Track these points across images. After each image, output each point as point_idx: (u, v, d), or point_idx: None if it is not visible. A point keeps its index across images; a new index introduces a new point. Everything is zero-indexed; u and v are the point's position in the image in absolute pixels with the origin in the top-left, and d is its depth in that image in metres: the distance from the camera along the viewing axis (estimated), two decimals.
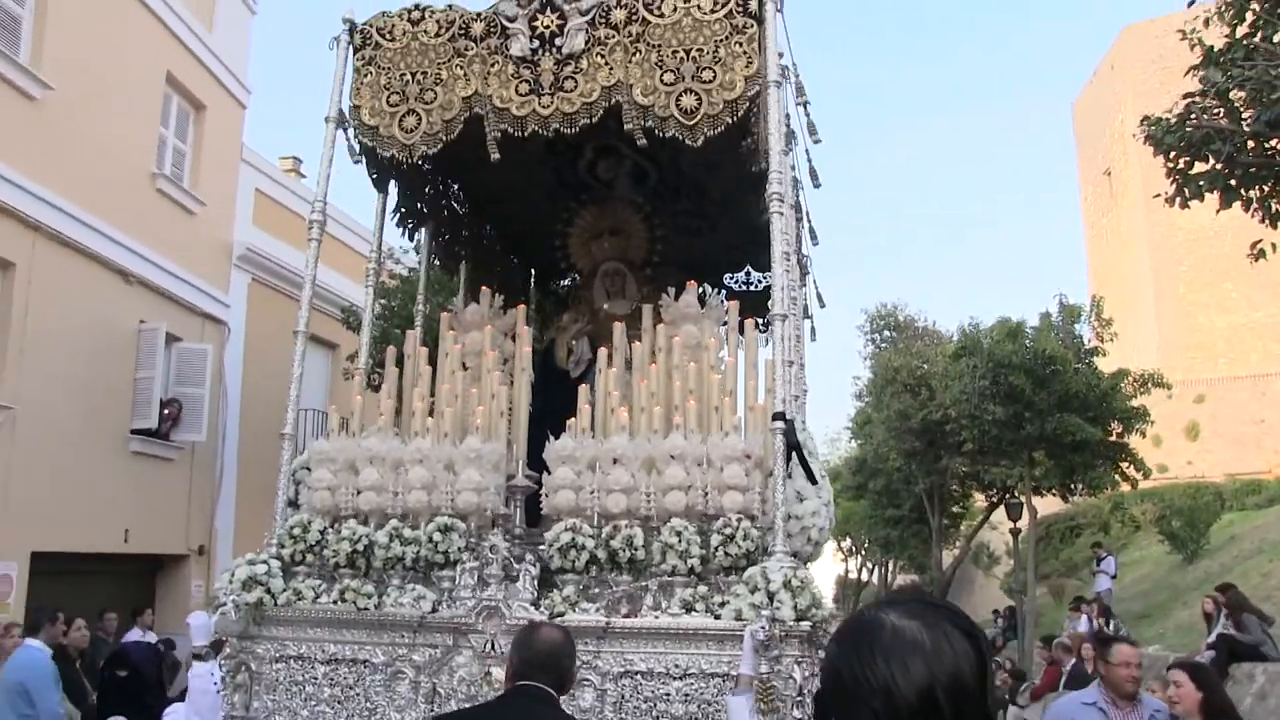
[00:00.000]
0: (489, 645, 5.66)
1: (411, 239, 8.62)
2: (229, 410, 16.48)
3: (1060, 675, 13.24)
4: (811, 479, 5.93)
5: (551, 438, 6.21)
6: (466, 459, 6.20)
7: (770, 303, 6.25)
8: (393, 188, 7.97)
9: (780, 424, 5.81)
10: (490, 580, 5.81)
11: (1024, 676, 16.24)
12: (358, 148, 7.28)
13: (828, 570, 47.45)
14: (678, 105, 6.44)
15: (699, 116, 6.41)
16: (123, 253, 13.69)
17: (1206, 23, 10.52)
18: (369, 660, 5.91)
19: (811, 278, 9.44)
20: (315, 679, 5.98)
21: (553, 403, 7.23)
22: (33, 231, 12.13)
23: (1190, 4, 10.72)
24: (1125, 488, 24.30)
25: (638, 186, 8.80)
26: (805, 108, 7.02)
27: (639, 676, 5.50)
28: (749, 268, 9.71)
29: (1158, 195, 11.18)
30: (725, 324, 7.06)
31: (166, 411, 14.37)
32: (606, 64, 6.63)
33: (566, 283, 9.82)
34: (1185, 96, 10.28)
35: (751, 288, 9.61)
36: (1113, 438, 21.53)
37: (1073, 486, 22.99)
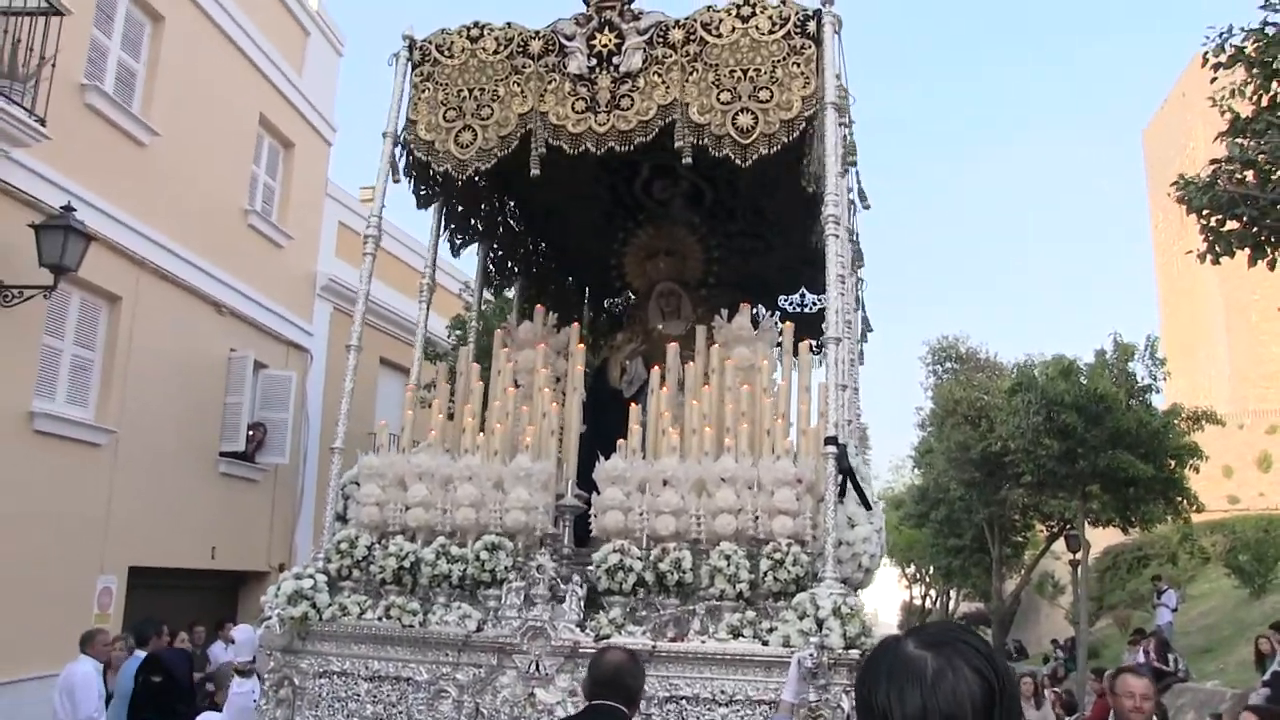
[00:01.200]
0: (533, 666, 5.59)
1: (456, 254, 8.58)
2: (310, 434, 17.05)
3: (1108, 709, 13.03)
4: (865, 504, 5.82)
5: (602, 458, 6.15)
6: (516, 477, 6.15)
7: (824, 325, 6.16)
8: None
9: (832, 448, 5.71)
10: (536, 600, 5.74)
11: (1075, 708, 16.09)
12: (404, 164, 7.28)
13: (893, 596, 47.54)
14: (734, 124, 6.38)
15: (755, 135, 6.34)
16: (216, 285, 14.46)
17: (1233, 93, 10.80)
18: (412, 678, 5.86)
19: (862, 302, 9.35)
20: (358, 696, 5.94)
21: (604, 423, 7.15)
22: (138, 267, 12.85)
23: (1213, 71, 10.98)
24: (1178, 522, 24.59)
25: (693, 207, 8.75)
26: (850, 130, 6.91)
27: (684, 702, 5.40)
28: (803, 289, 9.62)
29: (1190, 251, 11.74)
30: (779, 346, 6.97)
31: (252, 434, 15.11)
32: (664, 82, 6.59)
33: (619, 302, 9.76)
34: (1212, 162, 10.69)
35: (806, 309, 9.53)
36: (1166, 473, 21.70)
37: (1131, 520, 23.25)
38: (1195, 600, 29.72)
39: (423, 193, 7.70)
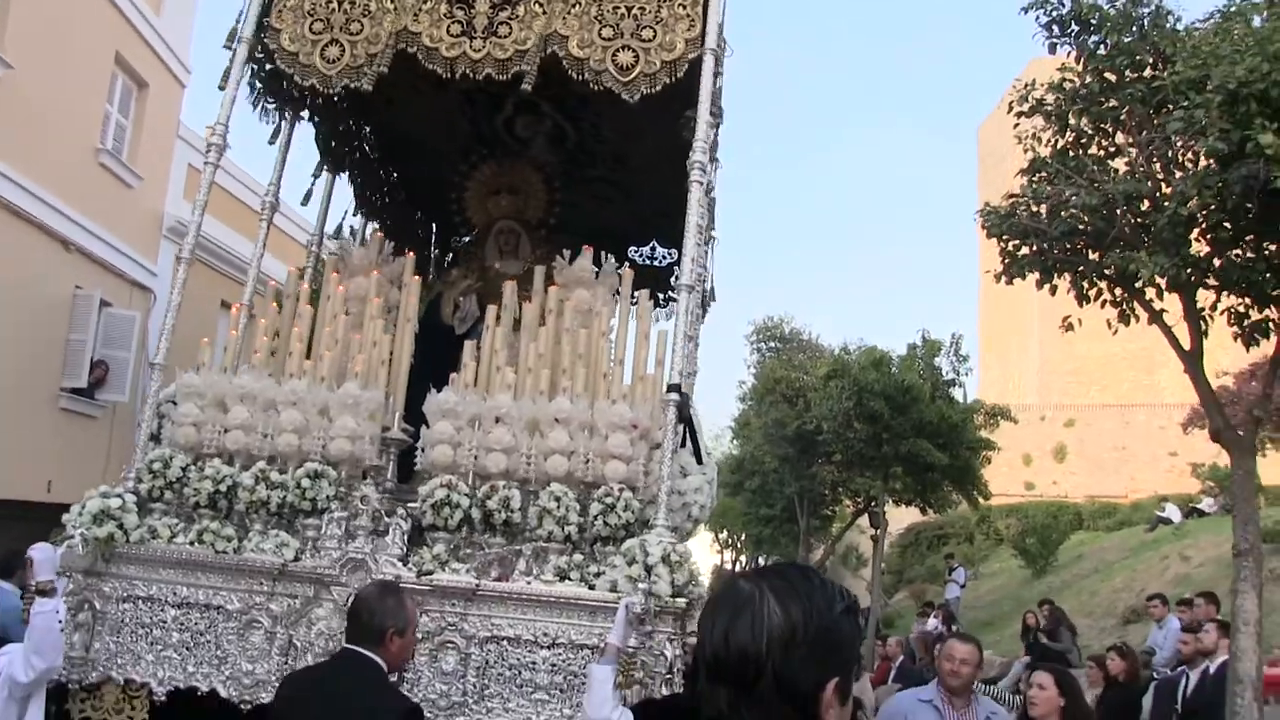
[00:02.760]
0: (351, 599, 5.41)
1: (316, 176, 8.25)
2: (150, 373, 16.36)
3: (890, 670, 14.77)
4: (698, 455, 5.81)
5: (434, 391, 5.98)
6: (343, 405, 5.93)
7: (676, 274, 6.13)
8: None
9: (675, 395, 5.68)
10: (358, 532, 5.57)
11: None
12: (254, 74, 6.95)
13: (705, 560, 48.12)
14: (614, 61, 6.25)
15: (635, 74, 6.22)
16: (64, 222, 14.38)
17: (1034, 136, 12.18)
18: (223, 606, 5.60)
19: (712, 260, 9.37)
20: (164, 622, 5.65)
21: (433, 359, 6.93)
22: None
23: (1018, 111, 12.37)
24: (973, 506, 27.26)
25: (554, 148, 8.58)
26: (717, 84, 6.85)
27: (505, 643, 5.31)
28: (655, 243, 9.57)
29: (988, 271, 13.06)
30: (619, 293, 6.90)
31: (94, 372, 15.15)
32: (544, 12, 6.38)
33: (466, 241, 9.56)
34: (1008, 197, 12.02)
35: (656, 263, 9.49)
36: (960, 462, 23.95)
37: (929, 502, 25.66)
38: (986, 578, 31.16)
39: (279, 108, 7.37)
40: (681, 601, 5.12)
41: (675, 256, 8.96)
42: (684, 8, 6.28)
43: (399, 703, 3.92)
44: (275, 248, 14.60)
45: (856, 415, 22.67)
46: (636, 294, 6.86)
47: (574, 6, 6.35)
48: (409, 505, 5.76)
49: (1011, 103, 12.49)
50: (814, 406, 24.65)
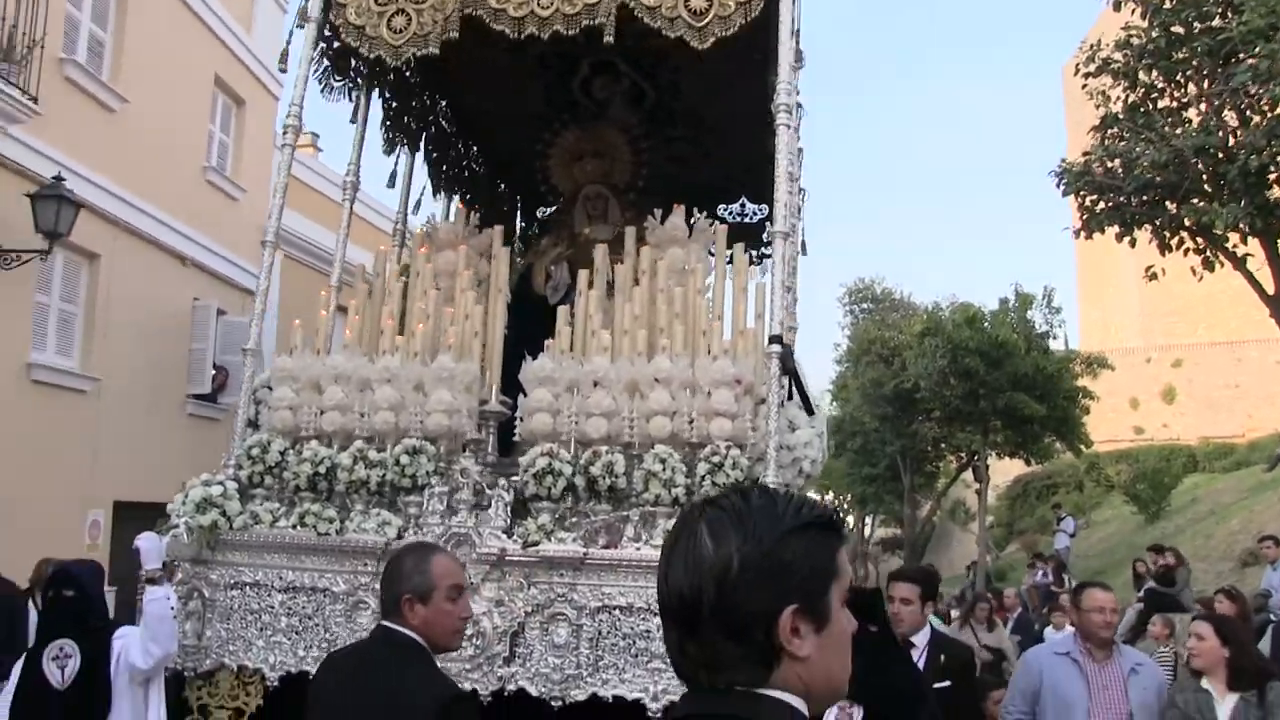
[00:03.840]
0: None
1: (389, 152, 8.17)
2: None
3: (1007, 621, 14.64)
4: (808, 408, 5.59)
5: (530, 359, 5.84)
6: (438, 379, 5.80)
7: (769, 222, 5.89)
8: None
9: (777, 347, 5.46)
10: (460, 506, 5.44)
11: None
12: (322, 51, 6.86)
13: None
14: (686, 6, 6.02)
15: (709, 18, 6.00)
16: (180, 239, 15.12)
17: (1104, 94, 12.46)
18: (329, 589, 5.53)
19: (802, 212, 9.12)
20: (272, 608, 5.60)
21: (528, 330, 6.77)
22: (113, 226, 13.61)
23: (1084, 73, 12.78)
24: (1078, 454, 27.75)
25: (633, 109, 8.34)
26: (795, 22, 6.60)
27: (618, 611, 5.14)
28: (744, 199, 9.32)
29: (1066, 228, 13.61)
30: (713, 250, 6.68)
31: (215, 377, 15.97)
32: None
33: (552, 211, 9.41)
34: (1084, 154, 12.28)
35: (746, 219, 9.24)
36: (1059, 413, 24.23)
37: (1031, 454, 26.10)
38: (1098, 525, 30.52)
39: (340, 83, 7.28)
40: None
41: (766, 212, 8.73)
42: None
43: (438, 689, 3.19)
44: (368, 241, 15.09)
45: (952, 372, 23.03)
46: (731, 249, 6.64)
47: None
48: (510, 477, 5.62)
49: (1078, 64, 12.80)
50: (910, 365, 24.86)
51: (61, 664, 5.26)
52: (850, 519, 43.63)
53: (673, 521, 4.98)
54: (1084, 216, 12.76)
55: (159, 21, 14.45)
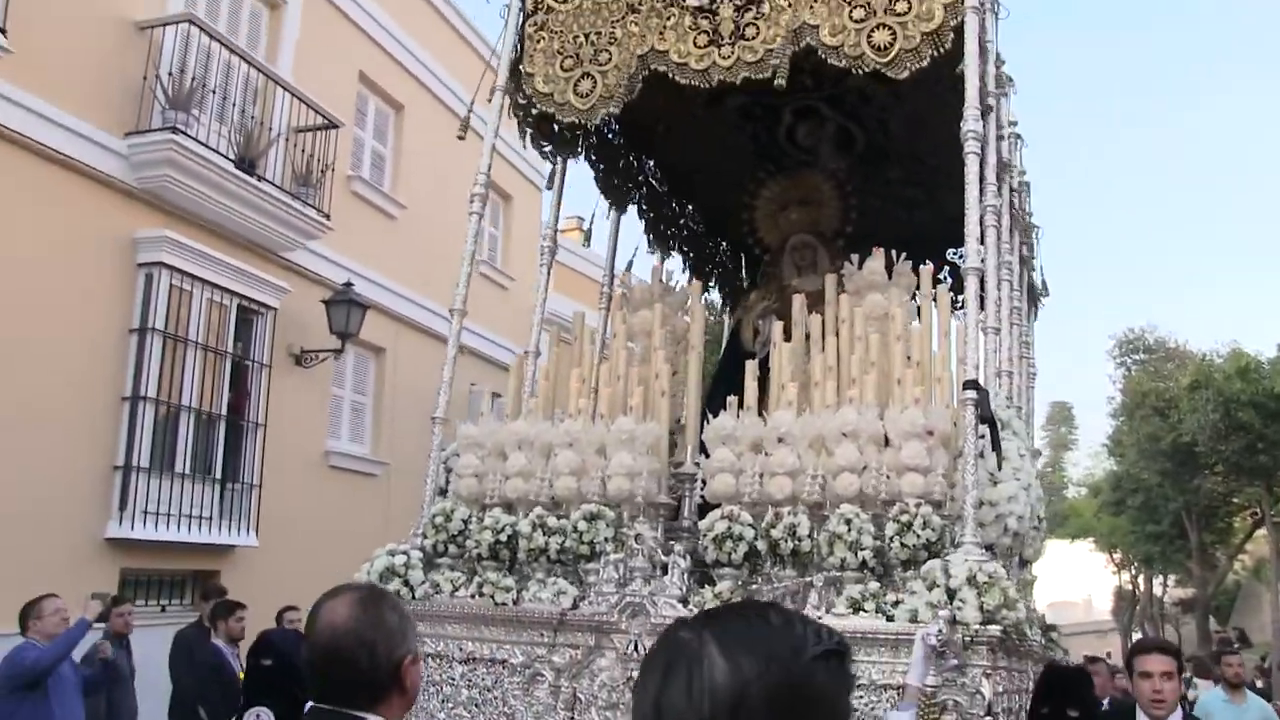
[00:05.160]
0: (633, 646, 4.99)
1: (607, 214, 8.26)
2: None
3: None
4: (998, 458, 5.04)
5: (711, 418, 5.53)
6: (619, 441, 5.56)
7: (956, 254, 5.41)
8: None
9: (972, 393, 4.95)
10: (635, 574, 5.15)
11: None
12: (522, 119, 6.89)
13: (1105, 583, 46.02)
14: (869, 42, 5.67)
15: (895, 52, 5.63)
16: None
17: None
18: (508, 660, 5.32)
19: (1038, 250, 8.51)
20: (453, 679, 5.44)
21: (740, 388, 6.52)
22: (397, 322, 14.66)
23: None
24: None
25: (842, 153, 8.02)
26: (993, 56, 6.11)
27: None
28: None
29: None
30: (917, 292, 6.21)
31: None
32: (790, 6, 5.91)
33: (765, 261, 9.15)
34: None
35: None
36: None
37: None
38: None
39: (550, 149, 7.32)
40: (995, 629, 4.37)
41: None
42: None
43: None
44: (589, 299, 15.60)
45: (1226, 427, 21.75)
46: (935, 290, 6.16)
47: None
48: (693, 540, 5.30)
49: None
50: (1184, 419, 23.64)
51: None
52: (1141, 579, 41.09)
53: (860, 587, 4.57)
54: None
55: (431, 132, 15.21)
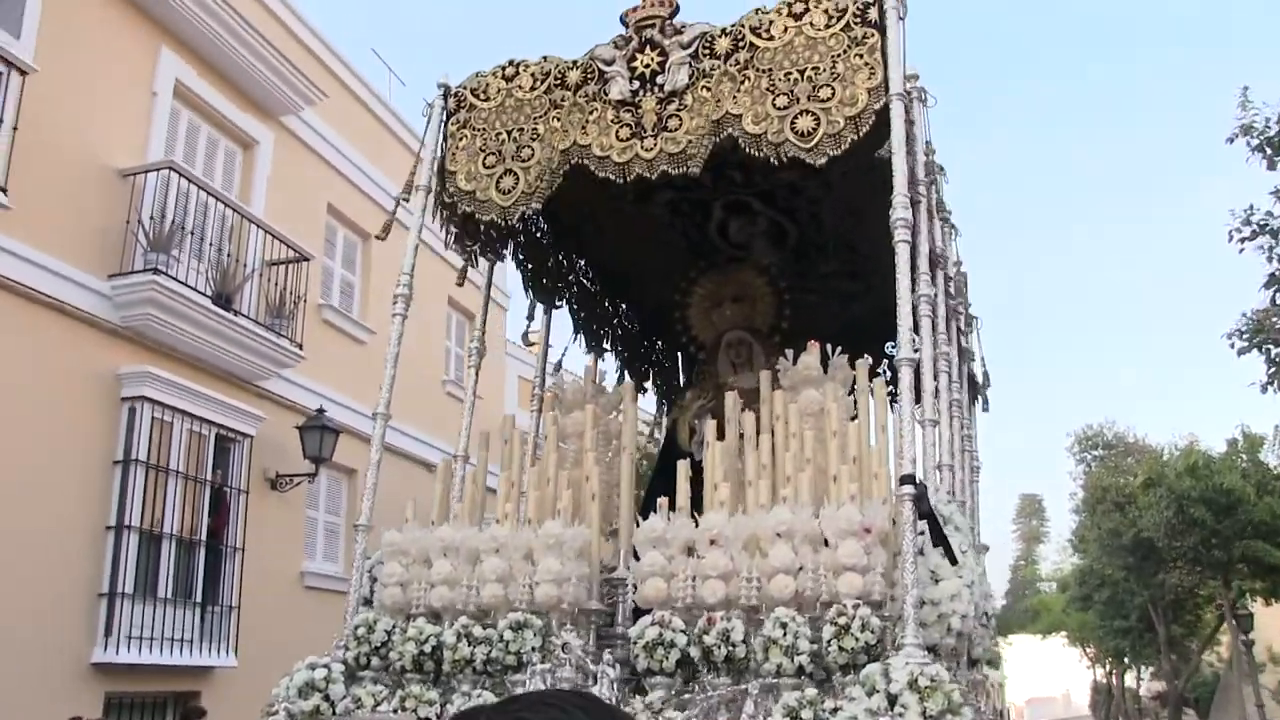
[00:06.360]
0: None
1: (531, 317, 8.14)
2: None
3: None
4: (951, 558, 4.87)
5: (641, 520, 5.33)
6: (545, 546, 5.34)
7: (895, 347, 5.29)
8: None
9: (909, 488, 4.78)
10: (564, 685, 4.89)
11: None
12: (444, 217, 6.79)
13: (1082, 677, 46.18)
14: (793, 129, 5.58)
15: (818, 137, 5.53)
16: (426, 449, 15.92)
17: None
18: None
19: (978, 341, 8.43)
20: None
21: (674, 489, 6.32)
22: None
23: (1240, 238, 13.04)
24: None
25: (776, 248, 7.96)
26: (921, 144, 6.06)
27: None
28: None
29: (1252, 383, 13.26)
30: (854, 388, 6.07)
31: None
32: (713, 96, 5.84)
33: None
34: (1255, 313, 12.56)
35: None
36: None
37: None
38: None
39: (473, 248, 7.21)
40: None
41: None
42: (860, 57, 5.57)
43: None
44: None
45: (1179, 523, 22.36)
46: (871, 385, 6.03)
47: (743, 83, 5.77)
48: (623, 648, 5.07)
49: (1230, 231, 12.88)
50: (1142, 514, 24.17)
51: None
52: (1113, 675, 40.84)
53: (797, 694, 4.34)
54: (1271, 370, 12.80)
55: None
